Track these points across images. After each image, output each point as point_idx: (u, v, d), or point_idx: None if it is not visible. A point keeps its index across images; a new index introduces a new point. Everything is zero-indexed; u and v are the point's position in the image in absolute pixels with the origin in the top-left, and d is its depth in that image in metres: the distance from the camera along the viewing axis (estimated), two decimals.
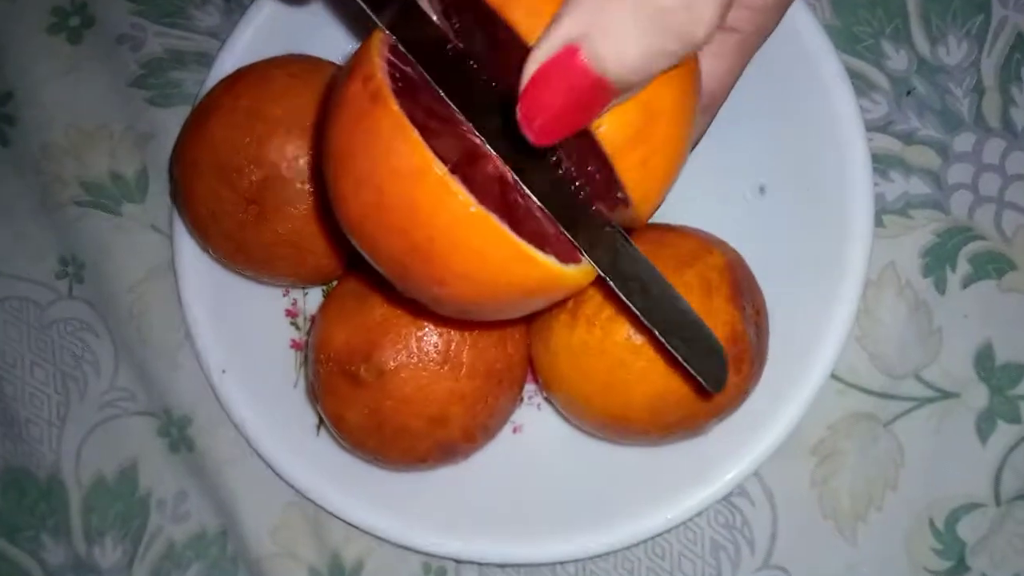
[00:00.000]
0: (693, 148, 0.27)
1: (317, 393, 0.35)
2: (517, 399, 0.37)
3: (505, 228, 0.23)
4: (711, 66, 0.27)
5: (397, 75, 0.24)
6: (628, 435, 0.34)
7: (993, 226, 0.39)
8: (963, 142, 0.40)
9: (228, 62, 0.40)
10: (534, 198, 0.25)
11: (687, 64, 0.24)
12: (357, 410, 0.34)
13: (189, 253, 0.40)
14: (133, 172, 0.43)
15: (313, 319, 0.39)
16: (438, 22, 0.27)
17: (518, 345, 0.35)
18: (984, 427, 0.38)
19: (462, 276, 0.24)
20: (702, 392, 0.31)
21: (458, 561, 0.39)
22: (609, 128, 0.23)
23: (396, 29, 0.26)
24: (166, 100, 0.43)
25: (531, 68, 0.21)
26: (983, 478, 0.38)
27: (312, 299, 0.41)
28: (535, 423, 0.39)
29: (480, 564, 0.39)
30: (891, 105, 0.40)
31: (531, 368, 0.37)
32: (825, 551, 0.38)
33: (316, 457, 0.38)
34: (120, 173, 0.43)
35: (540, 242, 0.24)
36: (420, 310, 0.33)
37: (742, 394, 0.34)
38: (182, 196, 0.37)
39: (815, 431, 0.38)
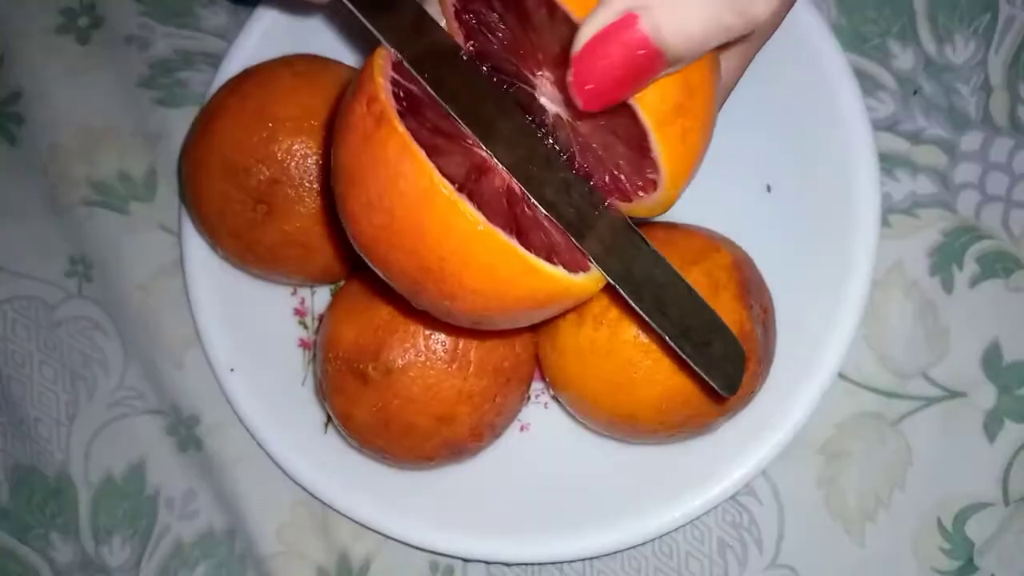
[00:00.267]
0: None
1: (325, 391, 0.35)
2: (524, 398, 0.37)
3: (514, 243, 0.24)
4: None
5: (401, 94, 0.25)
6: (635, 434, 0.34)
7: (1000, 225, 0.39)
8: (970, 141, 0.40)
9: (236, 62, 0.40)
10: (541, 209, 0.25)
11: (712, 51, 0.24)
12: (365, 408, 0.34)
13: (198, 252, 0.40)
14: (142, 172, 0.43)
15: (321, 318, 0.39)
16: (449, 27, 0.27)
17: (525, 344, 0.35)
18: (992, 426, 0.38)
19: (474, 292, 0.25)
20: (715, 396, 0.32)
21: (465, 560, 0.39)
22: (652, 99, 0.23)
23: (400, 44, 0.26)
24: (174, 100, 0.43)
25: (588, 32, 0.22)
26: (991, 478, 0.38)
27: (320, 298, 0.41)
28: (542, 422, 0.39)
29: (487, 563, 0.39)
30: (898, 104, 0.40)
31: (538, 367, 0.37)
32: (833, 551, 0.38)
33: (324, 455, 0.38)
34: (129, 173, 0.43)
35: (549, 253, 0.25)
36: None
37: (750, 393, 0.34)
38: (190, 195, 0.37)
39: (822, 430, 0.38)
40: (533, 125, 0.27)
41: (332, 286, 0.41)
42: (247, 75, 0.37)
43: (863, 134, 0.37)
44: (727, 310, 0.32)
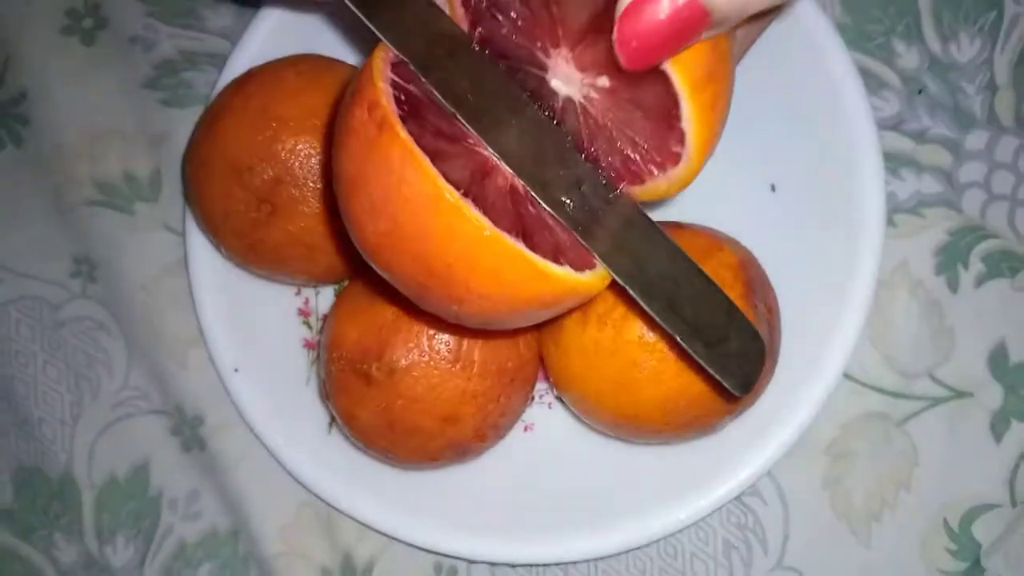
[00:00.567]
0: None
1: (329, 392, 0.35)
2: (528, 398, 0.37)
3: (520, 247, 0.24)
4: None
5: (402, 97, 0.25)
6: (640, 434, 0.34)
7: (1007, 224, 0.39)
8: (975, 140, 0.40)
9: (240, 62, 0.40)
10: (547, 208, 0.25)
11: None
12: (369, 409, 0.34)
13: (202, 252, 0.40)
14: (146, 172, 0.43)
15: (325, 318, 0.39)
16: (454, 14, 0.27)
17: (529, 344, 0.35)
18: (999, 427, 0.38)
19: (481, 296, 0.25)
20: (727, 396, 0.31)
21: (470, 561, 0.39)
22: (687, 63, 0.24)
23: (402, 42, 0.26)
24: (178, 101, 0.44)
25: None
26: (998, 478, 0.38)
27: (324, 298, 0.41)
28: (546, 422, 0.39)
29: (491, 564, 0.39)
30: (902, 103, 0.40)
31: (542, 367, 0.37)
32: (838, 552, 0.38)
33: (328, 456, 0.38)
34: (133, 173, 0.43)
35: (555, 253, 0.25)
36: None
37: (755, 393, 0.34)
38: (195, 195, 0.37)
39: (828, 431, 0.38)
40: (544, 116, 0.27)
41: (336, 286, 0.41)
42: (251, 75, 0.37)
43: (868, 133, 0.37)
44: None
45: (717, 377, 0.27)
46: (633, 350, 0.32)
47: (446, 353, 0.33)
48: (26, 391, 0.42)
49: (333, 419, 0.39)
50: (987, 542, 0.37)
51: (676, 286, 0.26)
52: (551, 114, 0.27)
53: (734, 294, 0.32)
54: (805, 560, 0.38)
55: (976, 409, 0.38)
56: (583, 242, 0.26)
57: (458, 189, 0.23)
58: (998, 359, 0.38)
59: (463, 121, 0.25)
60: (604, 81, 0.26)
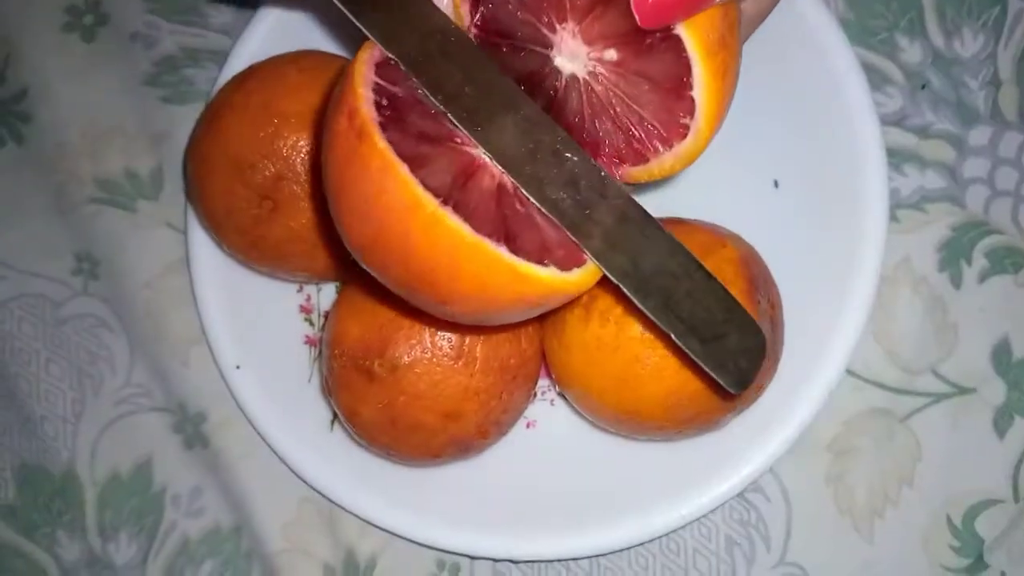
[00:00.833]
0: None
1: (331, 388, 0.35)
2: (531, 394, 0.37)
3: (501, 252, 0.24)
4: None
5: (384, 101, 0.24)
6: (642, 430, 0.34)
7: (1010, 220, 0.39)
8: (979, 136, 0.40)
9: (241, 59, 0.40)
10: (539, 206, 0.25)
11: None
12: (371, 405, 0.34)
13: (203, 249, 0.40)
14: (147, 169, 0.43)
15: (327, 315, 0.39)
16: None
17: (532, 340, 0.35)
18: (1002, 423, 0.38)
19: (466, 297, 0.25)
20: (724, 393, 0.31)
21: (472, 557, 0.39)
22: (701, 28, 0.24)
23: (391, 40, 0.26)
24: (180, 98, 0.44)
25: None
26: (1001, 474, 0.38)
27: (326, 295, 0.41)
28: (549, 418, 0.39)
29: (494, 560, 0.39)
30: (906, 99, 0.40)
31: (544, 363, 0.37)
32: (841, 548, 0.38)
33: (330, 452, 0.38)
34: (135, 171, 0.43)
35: (540, 253, 0.25)
36: None
37: (757, 389, 0.34)
38: (196, 193, 0.37)
39: (830, 427, 0.38)
40: (540, 110, 0.26)
41: (338, 283, 0.41)
42: (252, 72, 0.37)
43: (871, 129, 0.37)
44: None
45: (713, 375, 0.27)
46: (635, 346, 0.32)
47: (448, 350, 0.33)
48: (28, 388, 0.42)
49: (335, 416, 0.39)
50: (990, 538, 0.37)
51: (674, 282, 0.26)
52: (553, 93, 0.27)
53: (736, 290, 0.32)
54: (808, 556, 0.38)
55: (979, 405, 0.38)
56: (576, 240, 0.26)
57: (439, 195, 0.23)
58: (1001, 355, 0.38)
59: (454, 120, 0.25)
60: (612, 54, 0.25)
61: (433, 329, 0.33)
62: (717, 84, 0.25)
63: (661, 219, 0.35)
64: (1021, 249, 0.39)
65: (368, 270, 0.27)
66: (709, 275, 0.26)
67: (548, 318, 0.35)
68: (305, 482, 0.39)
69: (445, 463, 0.36)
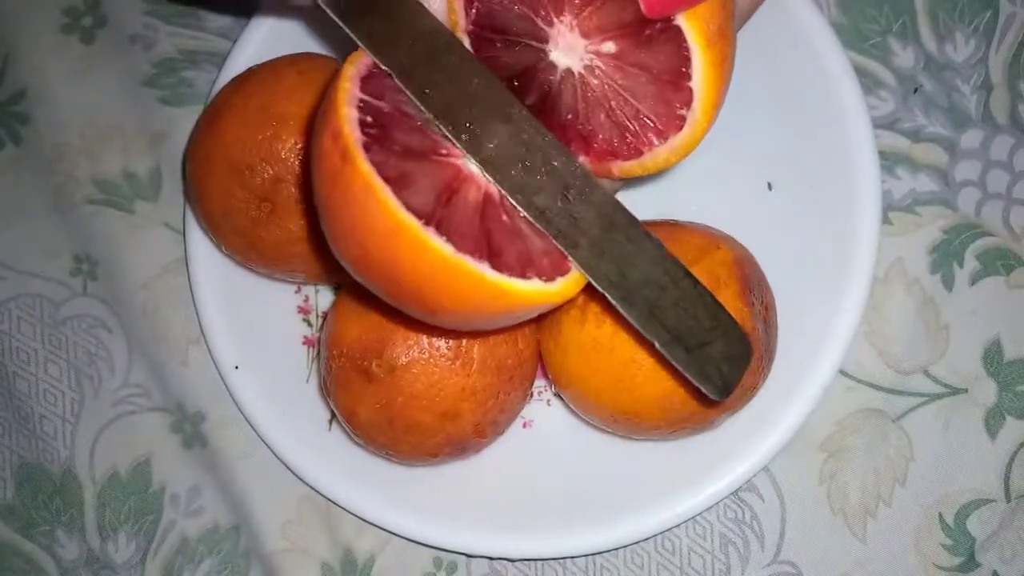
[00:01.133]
0: None
1: (330, 388, 0.36)
2: (527, 395, 0.37)
3: (483, 270, 0.24)
4: None
5: (368, 119, 0.25)
6: (638, 430, 0.34)
7: (1001, 222, 0.39)
8: (971, 139, 0.40)
9: (239, 61, 0.40)
10: (527, 216, 0.25)
11: None
12: (369, 405, 0.34)
13: (202, 250, 0.40)
14: (146, 170, 0.43)
15: (325, 315, 0.39)
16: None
17: (528, 341, 0.36)
18: (993, 423, 0.38)
19: (452, 310, 0.25)
20: (706, 400, 0.31)
21: (469, 555, 0.39)
22: (702, 18, 0.24)
23: (381, 50, 0.26)
24: (178, 99, 0.44)
25: None
26: (992, 474, 0.38)
27: (324, 295, 0.41)
28: (545, 418, 0.39)
29: (491, 558, 0.39)
30: (898, 102, 0.40)
31: (541, 364, 0.37)
32: (834, 546, 0.38)
33: (328, 452, 0.38)
34: (133, 172, 0.43)
35: (524, 266, 0.25)
36: None
37: (751, 390, 0.34)
38: (195, 194, 0.37)
39: (824, 427, 0.39)
40: (531, 117, 0.26)
41: (335, 284, 0.41)
42: (251, 74, 0.37)
43: (864, 132, 0.37)
44: (729, 307, 0.31)
45: (695, 382, 0.27)
46: (631, 348, 0.32)
47: (446, 350, 0.34)
48: (27, 388, 0.42)
49: (333, 416, 0.39)
50: (981, 537, 0.38)
51: (660, 290, 0.26)
52: (547, 88, 0.27)
53: (730, 291, 0.32)
54: (801, 555, 0.38)
55: (971, 405, 0.38)
56: (563, 249, 0.26)
57: (422, 215, 0.24)
58: (992, 356, 0.39)
59: (443, 130, 0.25)
60: (610, 46, 0.26)
61: (430, 330, 0.34)
62: (716, 74, 0.25)
63: (655, 220, 0.36)
64: (1012, 251, 0.39)
65: (358, 281, 0.27)
66: (696, 282, 0.26)
67: (544, 319, 0.35)
68: (303, 481, 0.39)
69: (442, 462, 0.36)
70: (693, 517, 0.37)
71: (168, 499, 0.41)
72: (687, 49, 0.24)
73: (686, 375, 0.27)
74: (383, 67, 0.26)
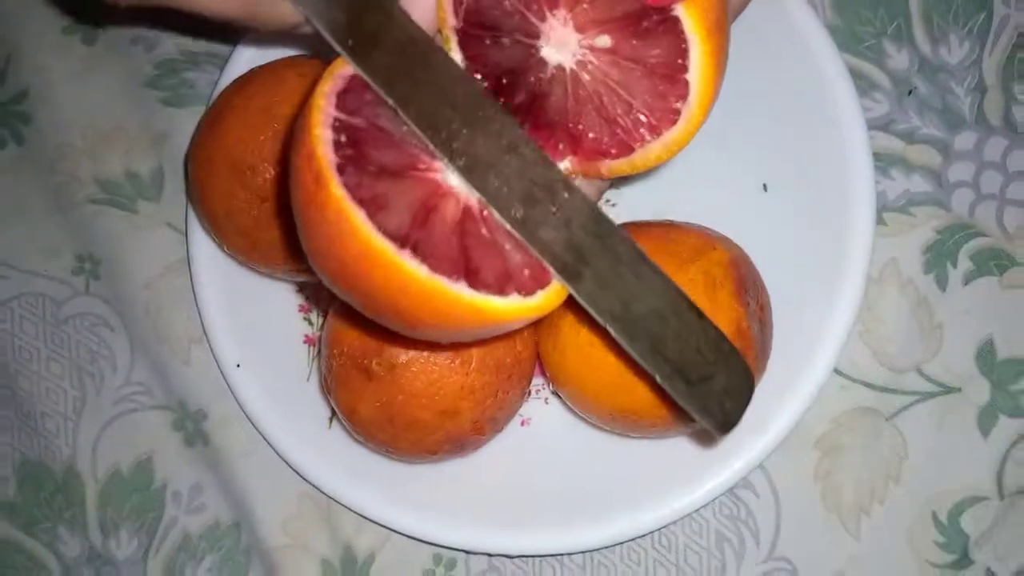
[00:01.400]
0: None
1: (330, 387, 0.36)
2: (525, 392, 0.37)
3: (460, 290, 0.24)
4: None
5: (343, 138, 0.24)
6: (636, 428, 0.34)
7: (995, 223, 0.39)
8: (964, 140, 0.40)
9: (241, 62, 0.40)
10: (508, 226, 0.25)
11: None
12: (369, 403, 0.34)
13: (204, 250, 0.40)
14: (148, 171, 0.43)
15: (326, 314, 0.40)
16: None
17: (527, 342, 0.36)
18: (986, 421, 0.38)
19: (432, 326, 0.25)
20: (706, 438, 0.31)
21: (468, 552, 0.39)
22: (699, 9, 0.24)
23: (363, 59, 0.25)
24: (180, 100, 0.44)
25: None
26: (986, 472, 0.38)
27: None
28: (543, 416, 0.39)
29: (489, 555, 0.39)
30: (892, 104, 0.40)
31: (539, 363, 0.37)
32: (829, 544, 0.38)
33: (328, 449, 0.39)
34: (135, 172, 0.43)
35: (503, 283, 0.25)
36: None
37: None
38: (197, 194, 0.37)
39: (818, 425, 0.39)
40: (535, 148, 0.25)
41: None
42: (252, 75, 0.37)
43: (859, 133, 0.37)
44: (724, 307, 0.32)
45: (697, 418, 0.26)
46: None
47: (445, 349, 0.34)
48: (30, 386, 0.42)
49: (334, 413, 0.39)
50: (975, 534, 0.38)
51: (663, 322, 0.25)
52: (537, 86, 0.26)
53: (726, 291, 0.32)
54: (796, 552, 0.38)
55: (964, 404, 0.38)
56: (567, 284, 0.25)
57: (397, 238, 0.23)
58: (986, 355, 0.39)
59: (426, 142, 0.25)
60: (604, 40, 0.25)
61: None
62: (713, 66, 0.25)
63: (651, 221, 0.36)
64: (1006, 251, 0.39)
65: (337, 295, 0.27)
66: (700, 314, 0.26)
67: (542, 323, 0.35)
68: (304, 479, 0.39)
69: (441, 460, 0.36)
70: (689, 514, 0.37)
71: (170, 496, 0.41)
72: (685, 40, 0.24)
73: (688, 410, 0.26)
74: (363, 77, 0.25)
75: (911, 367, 0.39)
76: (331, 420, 0.39)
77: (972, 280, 0.39)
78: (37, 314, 0.43)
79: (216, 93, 0.39)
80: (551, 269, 0.25)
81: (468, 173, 0.25)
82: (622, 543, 0.38)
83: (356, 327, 0.35)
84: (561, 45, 0.26)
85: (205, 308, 0.40)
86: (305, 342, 0.40)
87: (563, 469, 0.38)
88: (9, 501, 0.42)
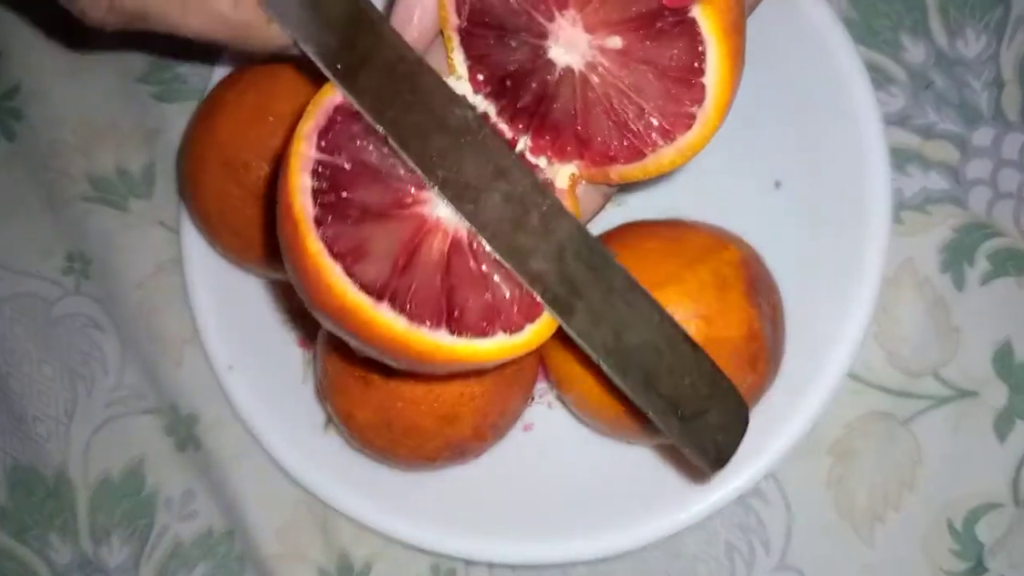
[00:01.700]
0: None
1: (326, 391, 0.35)
2: (528, 398, 0.37)
3: (440, 338, 0.24)
4: None
5: (324, 185, 0.24)
6: (641, 434, 0.34)
7: (1012, 222, 0.39)
8: (982, 136, 0.39)
9: (234, 57, 0.39)
10: (498, 256, 0.25)
11: None
12: (367, 409, 0.34)
13: (197, 249, 0.39)
14: (140, 168, 0.43)
15: None
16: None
17: None
18: (1003, 426, 0.38)
19: (419, 365, 0.25)
20: (697, 475, 0.30)
21: (468, 561, 0.39)
22: (717, 10, 0.23)
23: (350, 80, 0.24)
24: (172, 96, 0.43)
25: None
26: (1001, 478, 0.38)
27: None
28: (546, 422, 0.39)
29: (490, 564, 0.39)
30: (909, 99, 0.40)
31: (543, 366, 0.37)
32: (841, 552, 0.38)
33: (324, 455, 0.38)
34: (127, 169, 0.43)
35: (487, 324, 0.25)
36: None
37: (758, 393, 0.34)
38: (190, 192, 0.37)
39: (831, 430, 0.38)
40: (533, 179, 0.25)
41: None
42: (246, 70, 0.37)
43: (875, 130, 0.37)
44: (735, 308, 0.32)
45: (688, 455, 0.26)
46: None
47: None
48: (20, 389, 0.42)
49: (329, 419, 0.38)
50: (990, 542, 0.37)
51: (657, 356, 0.25)
52: (544, 89, 0.26)
53: (737, 292, 0.32)
54: (807, 560, 0.38)
55: (980, 408, 0.38)
56: (558, 318, 0.25)
57: (374, 291, 0.23)
58: (1003, 358, 0.38)
59: (423, 177, 0.24)
60: (616, 41, 0.25)
61: None
62: (730, 68, 0.24)
63: (661, 220, 0.36)
64: (1023, 252, 0.38)
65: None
66: (695, 346, 0.25)
67: None
68: (299, 485, 0.39)
69: (441, 467, 0.36)
70: (698, 523, 0.36)
71: (162, 503, 0.41)
72: (702, 42, 0.24)
73: (679, 447, 0.26)
74: (351, 104, 0.25)
75: (927, 370, 0.38)
76: (326, 425, 0.39)
77: (989, 280, 0.39)
78: (28, 315, 0.43)
79: (209, 88, 0.39)
80: (542, 301, 0.25)
81: (457, 201, 0.24)
82: (628, 553, 0.38)
83: None
84: (570, 46, 0.25)
85: (197, 309, 0.40)
86: (300, 345, 0.40)
87: (567, 476, 0.38)
88: (0, 506, 0.41)
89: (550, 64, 0.26)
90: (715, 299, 0.31)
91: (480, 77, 0.27)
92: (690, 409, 0.25)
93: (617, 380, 0.25)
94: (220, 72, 0.39)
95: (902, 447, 0.38)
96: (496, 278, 0.25)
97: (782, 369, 0.34)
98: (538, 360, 0.36)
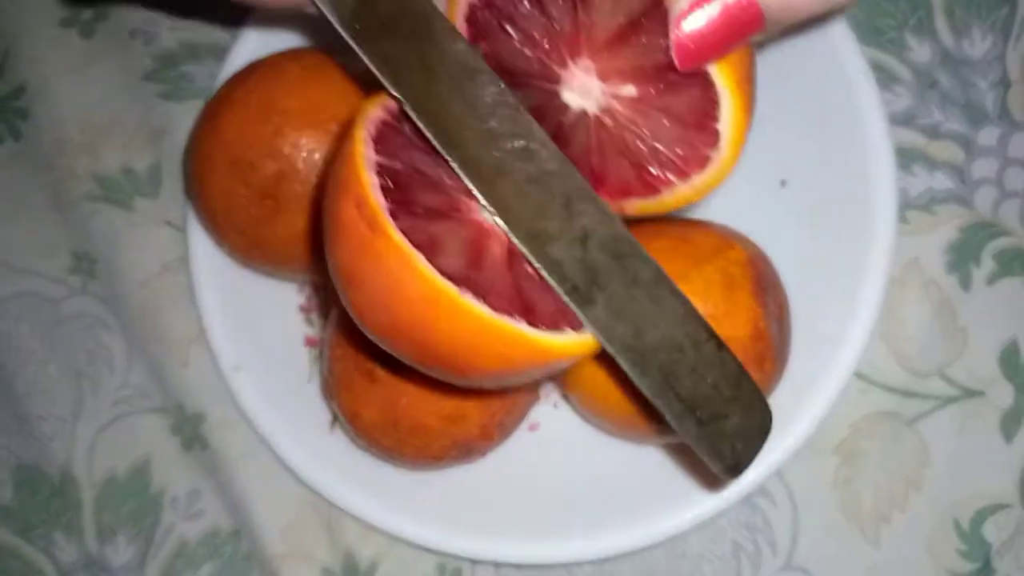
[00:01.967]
0: None
1: (332, 390, 0.35)
2: (534, 397, 0.37)
3: (522, 329, 0.23)
4: None
5: (389, 183, 0.24)
6: (647, 434, 0.34)
7: (1019, 222, 0.39)
8: (988, 136, 0.39)
9: (241, 55, 0.39)
10: (543, 272, 0.24)
11: None
12: (373, 407, 0.34)
13: (203, 248, 0.39)
14: (146, 167, 0.43)
15: (328, 315, 0.39)
16: (462, 28, 0.26)
17: None
18: (1009, 426, 0.38)
19: (486, 372, 0.25)
20: (712, 481, 0.30)
21: (474, 561, 0.39)
22: (733, 63, 0.24)
23: (402, 85, 0.24)
24: (179, 94, 0.43)
25: None
26: (1008, 478, 0.37)
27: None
28: (552, 421, 0.38)
29: (496, 564, 0.39)
30: (914, 98, 0.40)
31: None
32: (847, 552, 0.38)
33: (330, 454, 0.38)
34: (133, 168, 0.43)
35: (556, 319, 0.24)
36: None
37: (764, 393, 0.33)
38: (196, 191, 0.36)
39: (838, 430, 0.38)
40: (562, 157, 0.24)
41: None
42: (253, 68, 0.36)
43: (880, 129, 0.36)
44: (742, 307, 0.32)
45: (705, 460, 0.25)
46: None
47: None
48: (26, 388, 0.42)
49: (335, 417, 0.38)
50: (997, 543, 0.37)
51: (679, 354, 0.24)
52: (558, 130, 0.26)
53: (744, 291, 0.32)
54: (813, 561, 0.38)
55: (987, 408, 0.38)
56: (575, 307, 0.24)
57: (457, 281, 0.23)
58: (1009, 358, 0.38)
59: (458, 171, 0.24)
60: (630, 89, 0.25)
61: None
62: (744, 116, 0.25)
63: (669, 220, 0.35)
64: None
65: (384, 348, 0.26)
66: (720, 345, 0.24)
67: None
68: (305, 484, 0.39)
69: (447, 466, 0.36)
70: (704, 523, 0.36)
71: (168, 502, 0.41)
72: (715, 92, 0.24)
73: (696, 450, 0.25)
74: (396, 97, 0.24)
75: (933, 370, 0.38)
76: (332, 424, 0.39)
77: (996, 280, 0.39)
78: (34, 314, 0.42)
79: (216, 87, 0.38)
80: (559, 289, 0.24)
81: (476, 181, 0.24)
82: (634, 552, 0.38)
83: (359, 329, 0.34)
84: (584, 92, 0.26)
85: (204, 308, 0.39)
86: (306, 344, 0.40)
87: (573, 476, 0.38)
88: (5, 505, 0.42)
89: (564, 107, 0.26)
90: (722, 298, 0.31)
91: None
92: (709, 412, 0.24)
93: (635, 378, 0.24)
94: (228, 70, 0.39)
95: (908, 447, 0.38)
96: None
97: (788, 369, 0.34)
98: None
